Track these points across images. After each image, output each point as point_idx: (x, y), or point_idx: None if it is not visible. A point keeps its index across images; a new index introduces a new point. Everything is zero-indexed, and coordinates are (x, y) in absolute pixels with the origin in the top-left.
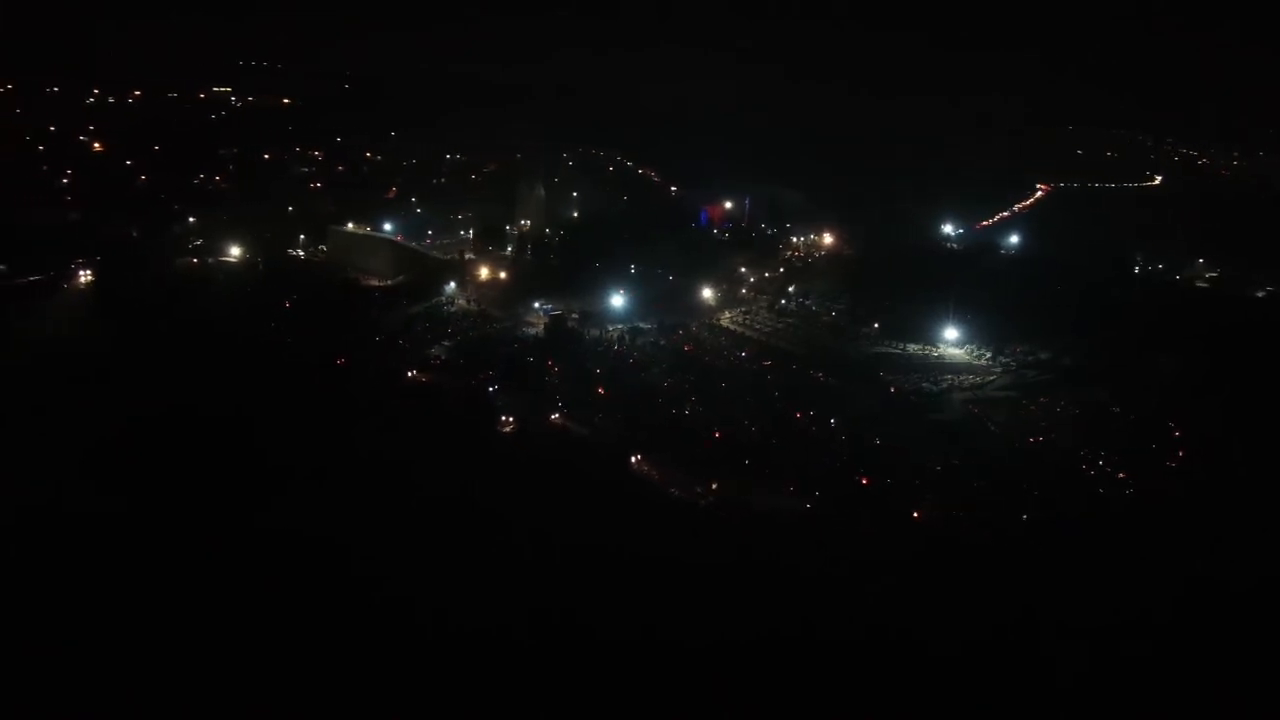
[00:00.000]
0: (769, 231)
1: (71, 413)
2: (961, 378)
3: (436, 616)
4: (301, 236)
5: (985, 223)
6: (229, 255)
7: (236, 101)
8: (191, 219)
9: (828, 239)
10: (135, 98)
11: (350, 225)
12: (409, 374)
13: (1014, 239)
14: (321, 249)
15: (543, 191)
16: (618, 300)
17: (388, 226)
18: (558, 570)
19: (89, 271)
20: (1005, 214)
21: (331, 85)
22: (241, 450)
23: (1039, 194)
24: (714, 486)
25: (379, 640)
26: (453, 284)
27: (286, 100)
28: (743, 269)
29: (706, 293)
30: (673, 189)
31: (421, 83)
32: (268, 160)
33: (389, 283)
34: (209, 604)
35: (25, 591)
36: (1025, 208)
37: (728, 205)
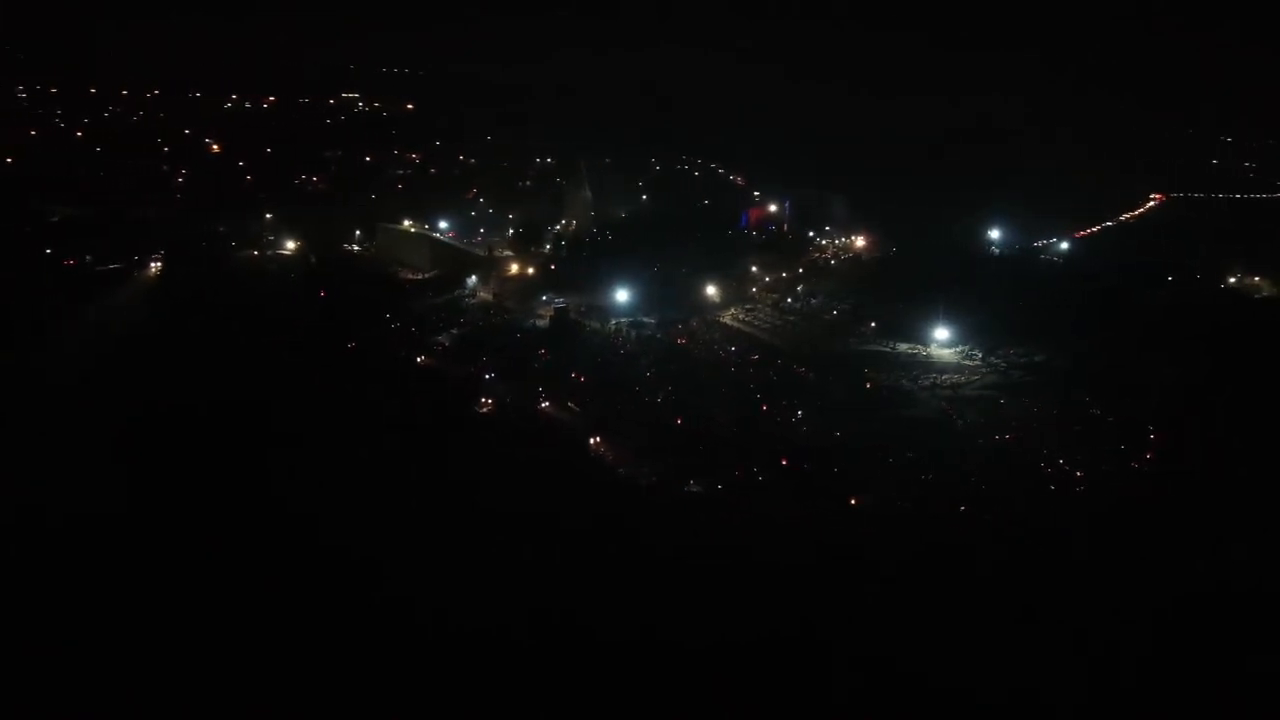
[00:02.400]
0: (808, 234)
1: (112, 389)
2: (945, 376)
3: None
4: (357, 232)
5: (1084, 231)
6: (285, 248)
7: (364, 106)
8: (268, 215)
9: (860, 242)
10: (269, 103)
11: (407, 223)
12: (413, 359)
13: (1064, 246)
14: (370, 245)
15: (589, 193)
16: (622, 295)
17: (443, 224)
18: (493, 535)
19: (158, 262)
20: (1109, 223)
21: (438, 89)
22: (240, 424)
23: (1152, 203)
24: (658, 468)
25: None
26: (474, 278)
27: (410, 105)
28: (754, 268)
29: (717, 290)
30: (724, 191)
31: (494, 87)
32: (367, 161)
33: (423, 276)
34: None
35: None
36: (1134, 217)
37: (771, 208)
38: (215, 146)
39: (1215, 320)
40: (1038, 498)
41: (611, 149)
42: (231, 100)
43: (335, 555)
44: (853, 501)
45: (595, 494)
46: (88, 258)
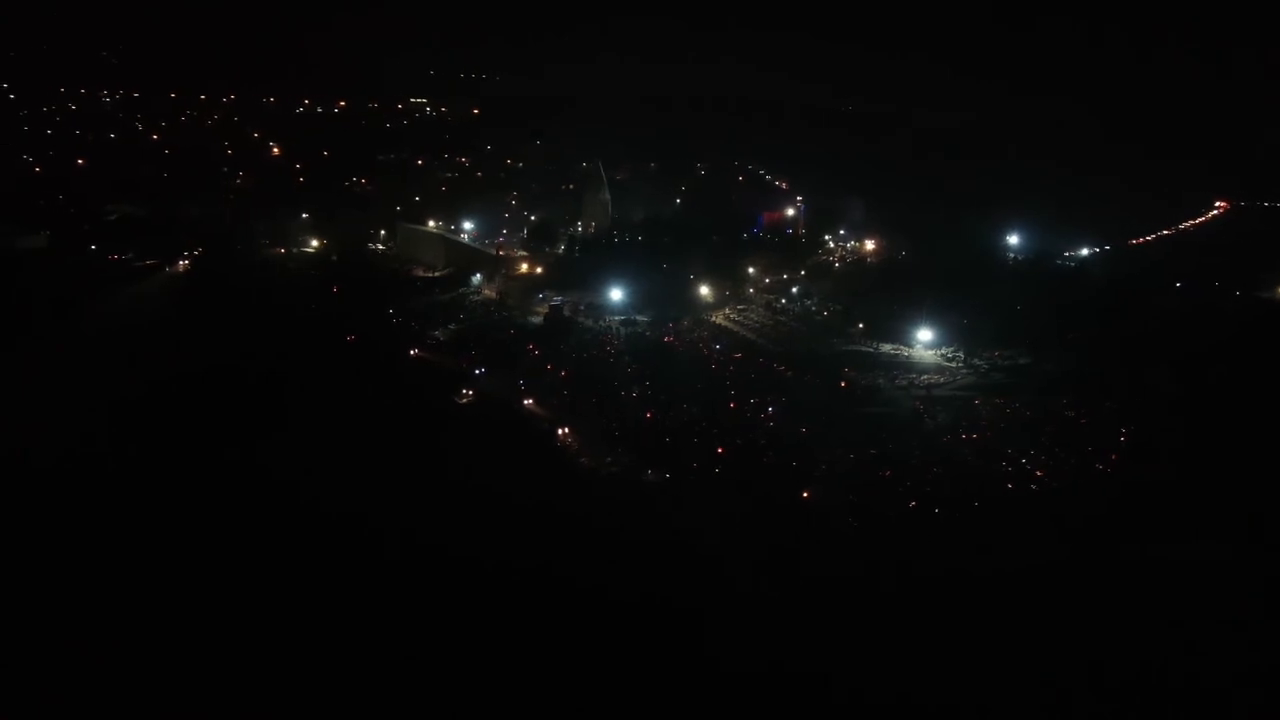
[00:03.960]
0: (823, 237)
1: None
2: (923, 377)
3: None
4: (383, 232)
5: (1139, 239)
6: (310, 246)
7: (430, 111)
8: (304, 215)
9: (869, 245)
10: (340, 107)
11: (432, 224)
12: (405, 351)
13: (1087, 251)
14: (392, 244)
15: (607, 195)
16: (617, 294)
17: (468, 224)
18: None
19: (188, 258)
20: (1167, 231)
21: (499, 96)
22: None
23: (1216, 211)
24: (620, 458)
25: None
26: (478, 275)
27: (476, 111)
28: (751, 270)
29: (713, 290)
30: (747, 195)
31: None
32: (419, 165)
33: (435, 273)
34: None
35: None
36: (1195, 225)
37: (789, 212)
38: (276, 149)
39: (1224, 329)
40: (993, 496)
41: (642, 154)
42: (304, 105)
43: (302, 517)
44: (804, 495)
45: (553, 480)
46: (130, 254)
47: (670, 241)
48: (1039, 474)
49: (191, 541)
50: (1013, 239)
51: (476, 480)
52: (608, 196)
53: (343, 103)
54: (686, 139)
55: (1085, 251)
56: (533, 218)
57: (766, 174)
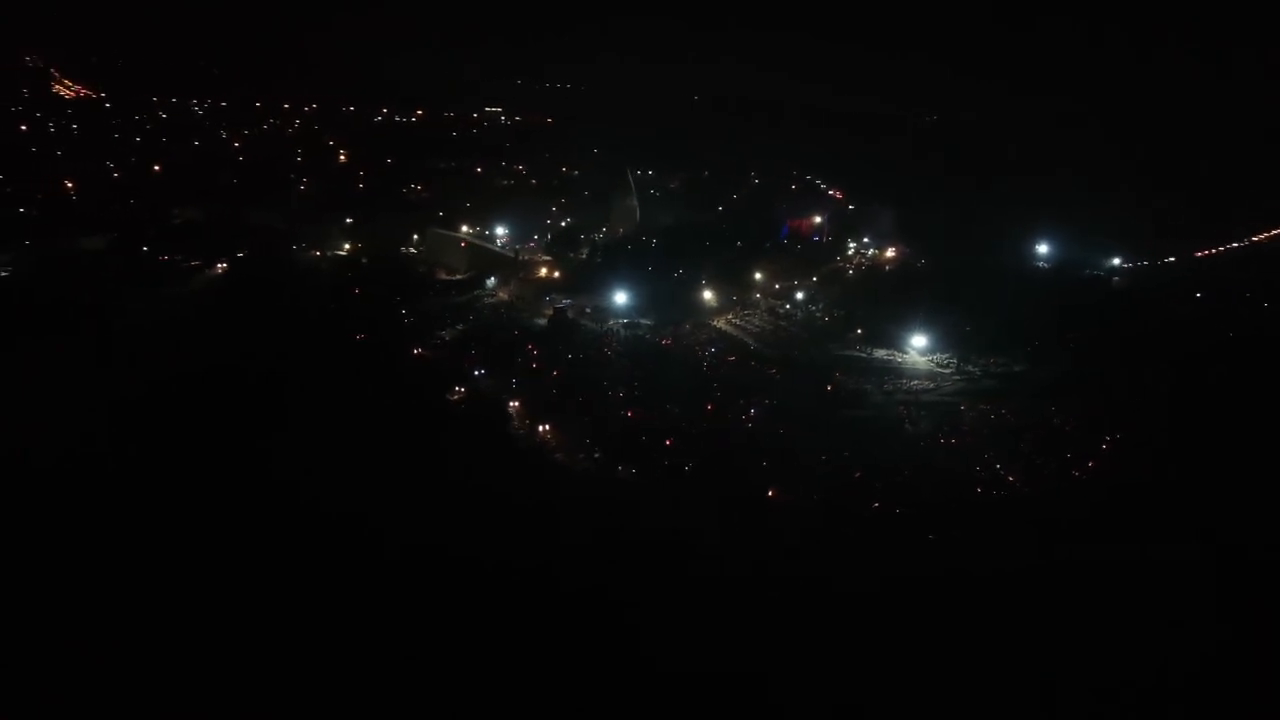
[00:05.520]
0: (846, 243)
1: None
2: (913, 383)
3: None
4: (415, 236)
5: (1206, 251)
6: (342, 249)
7: (505, 120)
8: (348, 220)
9: (890, 253)
10: (417, 115)
11: (464, 228)
12: (408, 350)
13: (1115, 260)
14: (422, 248)
15: (634, 202)
16: (621, 297)
17: (500, 229)
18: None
19: (227, 261)
20: (1236, 244)
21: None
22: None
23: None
24: (594, 455)
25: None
26: (493, 279)
27: (549, 120)
28: (759, 275)
29: (718, 294)
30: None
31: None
32: (478, 172)
33: (457, 277)
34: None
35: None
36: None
37: (817, 220)
38: (343, 156)
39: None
40: (962, 499)
41: (696, 163)
42: (382, 113)
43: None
44: (770, 494)
45: (517, 474)
46: (178, 256)
47: (685, 247)
48: (1010, 479)
49: (183, 537)
50: (1042, 248)
51: (448, 474)
52: (635, 203)
53: (420, 111)
54: (739, 145)
55: (1117, 261)
56: (563, 223)
57: (822, 182)
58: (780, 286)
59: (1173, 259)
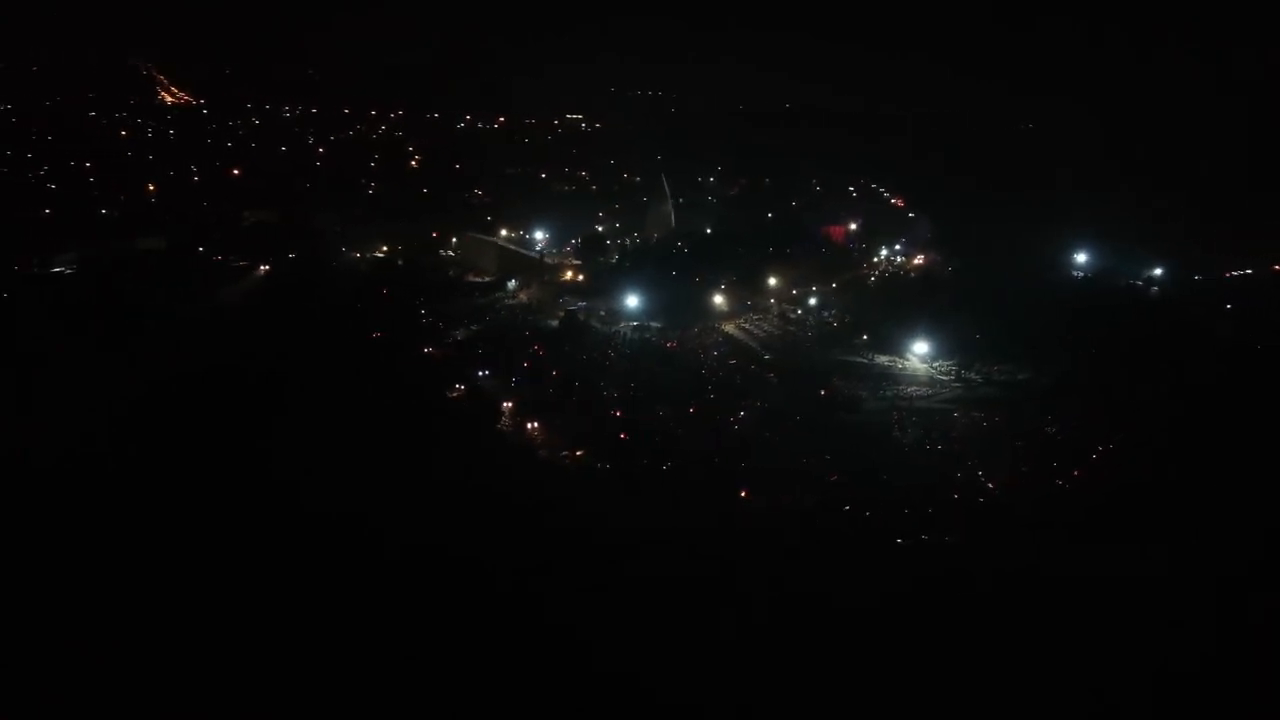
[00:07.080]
0: (879, 250)
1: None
2: (911, 389)
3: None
4: (453, 239)
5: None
6: (380, 252)
7: (585, 127)
8: (396, 223)
9: (919, 259)
10: (499, 123)
11: (504, 231)
12: (418, 349)
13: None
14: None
15: (669, 207)
16: (633, 301)
17: (539, 234)
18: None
19: (271, 262)
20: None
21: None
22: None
23: None
24: (578, 453)
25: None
26: (514, 281)
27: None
28: (772, 280)
29: (729, 299)
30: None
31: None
32: (543, 178)
33: (486, 279)
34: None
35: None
36: None
37: (852, 226)
38: (414, 161)
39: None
40: (939, 505)
41: (757, 169)
42: (465, 120)
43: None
44: (742, 494)
45: (496, 468)
46: (230, 257)
47: (716, 252)
48: (990, 485)
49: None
50: (1081, 256)
51: (431, 470)
52: (670, 208)
53: (501, 119)
54: (804, 154)
55: (1159, 271)
56: (599, 228)
57: (885, 191)
58: (796, 292)
59: (1209, 273)
